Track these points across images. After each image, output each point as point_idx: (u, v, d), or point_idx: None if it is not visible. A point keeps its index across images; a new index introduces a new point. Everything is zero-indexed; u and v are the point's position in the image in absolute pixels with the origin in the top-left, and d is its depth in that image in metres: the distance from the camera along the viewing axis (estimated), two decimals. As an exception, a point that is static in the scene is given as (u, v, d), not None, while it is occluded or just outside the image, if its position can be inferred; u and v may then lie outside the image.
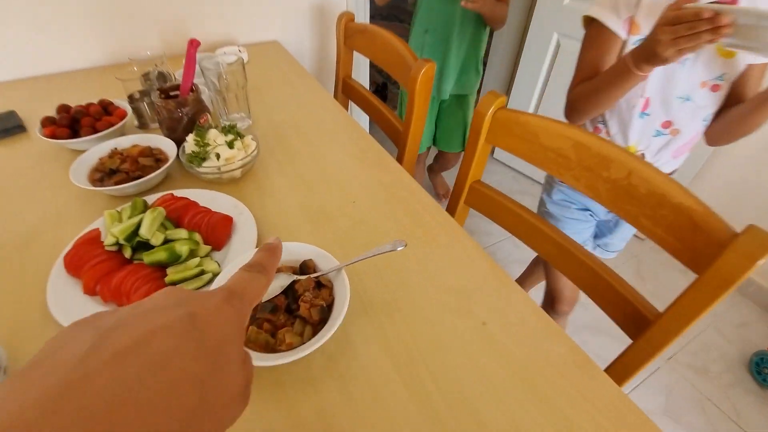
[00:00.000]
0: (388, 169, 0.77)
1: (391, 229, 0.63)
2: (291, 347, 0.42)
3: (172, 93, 0.75)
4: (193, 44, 0.74)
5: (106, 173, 0.67)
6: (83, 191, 0.67)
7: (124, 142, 0.74)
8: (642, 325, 0.55)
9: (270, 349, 0.43)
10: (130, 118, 0.84)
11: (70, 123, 0.76)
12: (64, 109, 0.79)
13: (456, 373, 0.44)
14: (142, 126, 0.87)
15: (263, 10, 1.32)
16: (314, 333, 0.44)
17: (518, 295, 0.53)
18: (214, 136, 0.70)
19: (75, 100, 0.82)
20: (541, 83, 1.92)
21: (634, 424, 0.41)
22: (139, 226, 0.54)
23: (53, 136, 0.74)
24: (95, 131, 0.75)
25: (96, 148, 0.71)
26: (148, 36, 1.19)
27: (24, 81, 1.07)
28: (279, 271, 0.51)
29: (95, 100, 0.83)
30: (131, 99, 0.85)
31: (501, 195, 0.75)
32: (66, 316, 0.46)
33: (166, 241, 0.53)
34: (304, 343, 0.43)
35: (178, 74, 0.94)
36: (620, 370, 0.57)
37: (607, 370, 0.58)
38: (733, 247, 0.45)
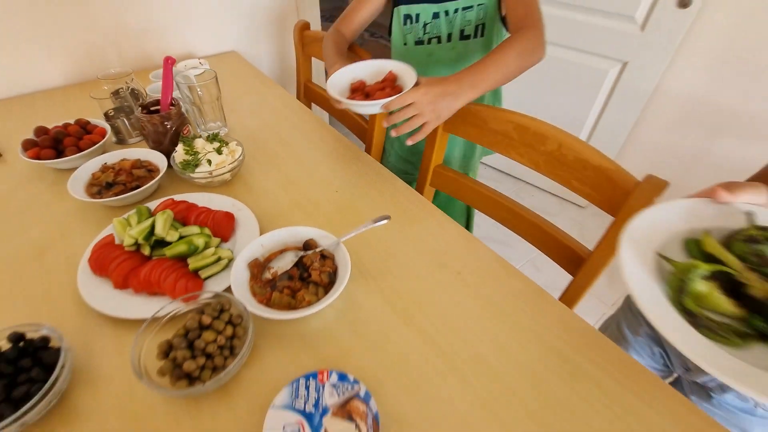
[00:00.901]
0: (361, 160, 0.87)
1: (372, 210, 0.74)
2: (309, 304, 0.52)
3: (152, 108, 0.80)
4: (169, 61, 0.80)
5: (102, 187, 0.72)
6: (79, 206, 0.72)
7: (111, 158, 0.78)
8: (579, 263, 0.70)
9: (292, 308, 0.52)
10: (109, 135, 0.88)
11: (53, 143, 0.80)
12: (42, 131, 0.82)
13: (441, 310, 0.56)
14: (120, 141, 0.91)
15: (218, 22, 1.37)
16: (325, 293, 0.54)
17: (483, 250, 0.66)
18: (201, 144, 0.77)
19: (41, 122, 0.84)
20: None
21: (578, 328, 0.54)
22: (152, 227, 0.60)
23: (38, 158, 0.77)
24: (79, 150, 0.79)
25: (86, 165, 0.76)
26: (107, 52, 1.21)
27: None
28: (287, 250, 0.60)
29: (70, 120, 0.86)
30: (107, 116, 0.89)
31: (459, 175, 0.88)
32: (104, 307, 0.53)
33: (180, 238, 0.60)
34: (319, 301, 0.52)
35: (149, 89, 0.98)
36: (567, 299, 0.71)
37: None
38: (636, 191, 0.60)
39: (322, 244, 0.60)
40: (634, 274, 0.42)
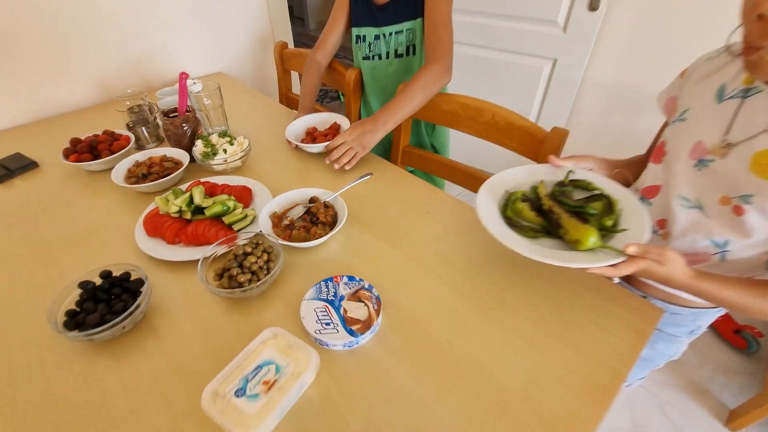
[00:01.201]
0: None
1: (354, 176, 0.94)
2: (321, 236, 0.71)
3: (171, 115, 0.98)
4: (183, 76, 0.99)
5: (139, 177, 0.89)
6: (118, 195, 0.89)
7: (141, 157, 0.96)
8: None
9: (307, 240, 0.71)
10: (133, 141, 1.05)
11: (89, 149, 0.96)
12: (77, 141, 0.98)
13: (415, 235, 0.76)
14: (140, 147, 1.08)
15: (206, 48, 1.57)
16: (330, 230, 0.73)
17: (444, 196, 0.87)
18: (216, 139, 0.95)
19: (73, 135, 1.00)
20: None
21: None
22: (191, 198, 0.78)
23: (78, 161, 0.94)
24: (112, 153, 0.96)
25: (122, 163, 0.93)
26: (122, 76, 1.40)
27: (15, 128, 1.21)
28: (297, 205, 0.80)
29: (98, 132, 1.03)
30: (129, 127, 1.06)
31: (424, 152, 1.10)
32: (163, 255, 0.70)
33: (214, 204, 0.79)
34: (327, 234, 0.72)
35: (159, 103, 1.16)
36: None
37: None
38: (547, 140, 0.83)
39: (323, 198, 0.80)
40: (482, 203, 0.66)
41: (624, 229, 0.59)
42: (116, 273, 0.65)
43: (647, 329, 0.59)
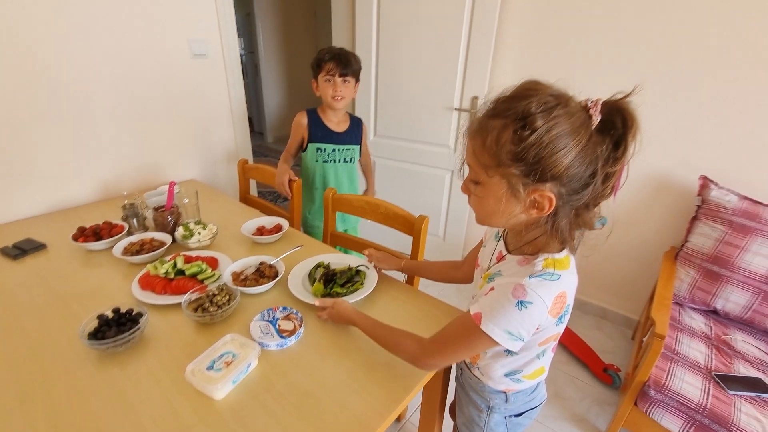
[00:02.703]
0: (293, 237, 1.49)
1: (291, 248, 1.34)
2: (265, 284, 1.08)
3: (159, 210, 1.37)
4: (172, 184, 1.41)
5: (134, 252, 1.23)
6: (115, 267, 1.22)
7: (134, 239, 1.31)
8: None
9: (256, 286, 1.08)
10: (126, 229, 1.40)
11: (93, 234, 1.31)
12: (83, 228, 1.33)
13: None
14: (129, 233, 1.43)
15: (186, 160, 2.02)
16: (272, 280, 1.11)
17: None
18: (192, 226, 1.34)
19: (78, 224, 1.35)
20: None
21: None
22: (175, 264, 1.14)
23: (85, 242, 1.27)
24: (111, 236, 1.31)
25: (120, 243, 1.27)
26: (118, 181, 1.78)
27: (27, 218, 1.52)
28: (250, 266, 1.18)
29: (99, 222, 1.38)
30: (123, 218, 1.42)
31: (345, 234, 1.54)
32: (154, 300, 1.04)
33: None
34: (270, 283, 1.09)
35: (149, 202, 1.55)
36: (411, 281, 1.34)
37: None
38: (416, 222, 1.31)
39: (269, 262, 1.19)
40: (294, 276, 1.11)
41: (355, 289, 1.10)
42: (123, 309, 0.97)
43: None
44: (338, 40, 2.65)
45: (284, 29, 5.39)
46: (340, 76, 1.60)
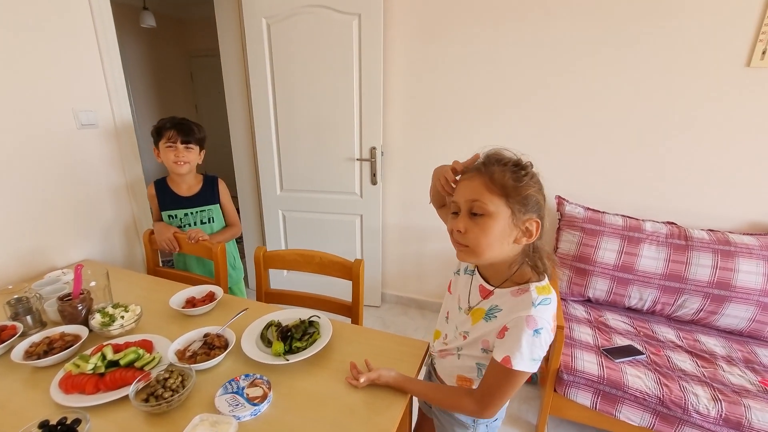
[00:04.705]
0: (228, 302, 1.43)
1: (236, 313, 1.29)
2: (218, 356, 1.04)
3: (66, 299, 1.20)
4: (79, 267, 1.25)
5: (41, 354, 1.06)
6: (18, 376, 1.03)
7: (35, 339, 1.12)
8: (353, 316, 1.42)
9: (210, 360, 1.03)
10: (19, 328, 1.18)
11: (-23, 343, 1.08)
12: (-40, 337, 1.09)
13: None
14: (24, 335, 1.20)
15: (71, 238, 1.77)
16: (225, 350, 1.07)
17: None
18: (111, 310, 1.21)
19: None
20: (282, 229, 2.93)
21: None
22: (104, 356, 1.02)
23: (-34, 356, 1.04)
24: (3, 341, 1.10)
25: (18, 348, 1.08)
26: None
27: None
28: (195, 341, 1.11)
29: (-23, 329, 1.14)
30: (12, 317, 1.20)
31: (282, 290, 1.55)
32: (86, 402, 0.91)
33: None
34: (223, 353, 1.05)
35: (41, 292, 1.34)
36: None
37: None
38: (353, 266, 1.40)
39: (215, 332, 1.14)
40: (246, 341, 1.13)
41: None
42: (53, 421, 0.84)
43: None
44: (232, 100, 2.69)
45: (158, 93, 5.12)
46: (182, 143, 1.69)
